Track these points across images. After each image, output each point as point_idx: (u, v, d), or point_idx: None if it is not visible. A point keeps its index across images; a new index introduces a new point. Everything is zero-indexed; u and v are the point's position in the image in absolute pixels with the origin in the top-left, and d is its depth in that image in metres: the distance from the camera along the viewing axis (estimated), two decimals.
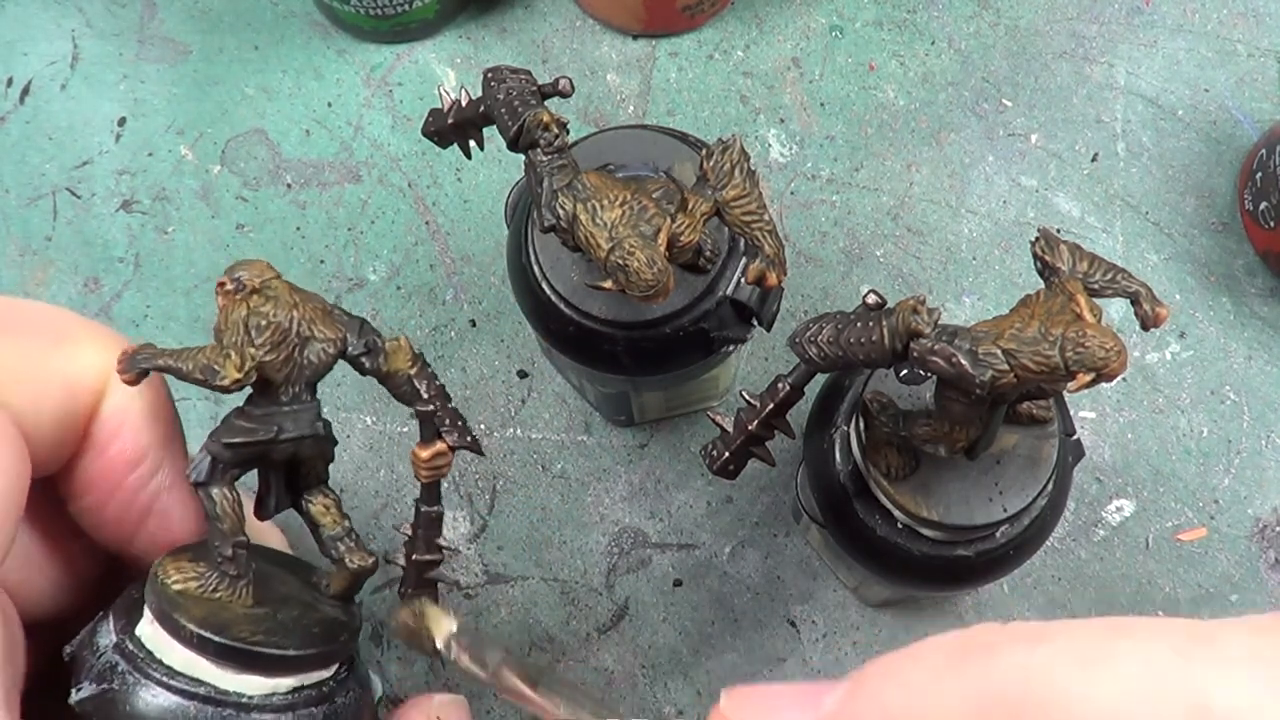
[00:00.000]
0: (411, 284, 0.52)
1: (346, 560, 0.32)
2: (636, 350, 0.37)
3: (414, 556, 0.34)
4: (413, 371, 0.31)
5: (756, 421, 0.34)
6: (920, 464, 0.35)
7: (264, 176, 0.53)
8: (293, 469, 0.32)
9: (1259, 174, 0.50)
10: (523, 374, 0.51)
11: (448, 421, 0.32)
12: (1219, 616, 0.48)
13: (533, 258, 0.37)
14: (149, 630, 0.29)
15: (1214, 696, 0.18)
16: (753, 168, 0.33)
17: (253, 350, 0.28)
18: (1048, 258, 0.30)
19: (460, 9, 0.55)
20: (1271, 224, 0.49)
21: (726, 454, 0.35)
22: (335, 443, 0.32)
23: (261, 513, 0.32)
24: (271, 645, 0.29)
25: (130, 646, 0.29)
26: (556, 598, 0.49)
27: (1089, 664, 0.19)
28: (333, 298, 0.52)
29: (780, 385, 0.33)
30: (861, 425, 0.35)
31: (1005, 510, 0.35)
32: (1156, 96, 0.54)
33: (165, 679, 0.28)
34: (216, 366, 0.28)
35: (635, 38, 0.55)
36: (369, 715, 0.32)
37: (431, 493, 0.33)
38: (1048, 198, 0.53)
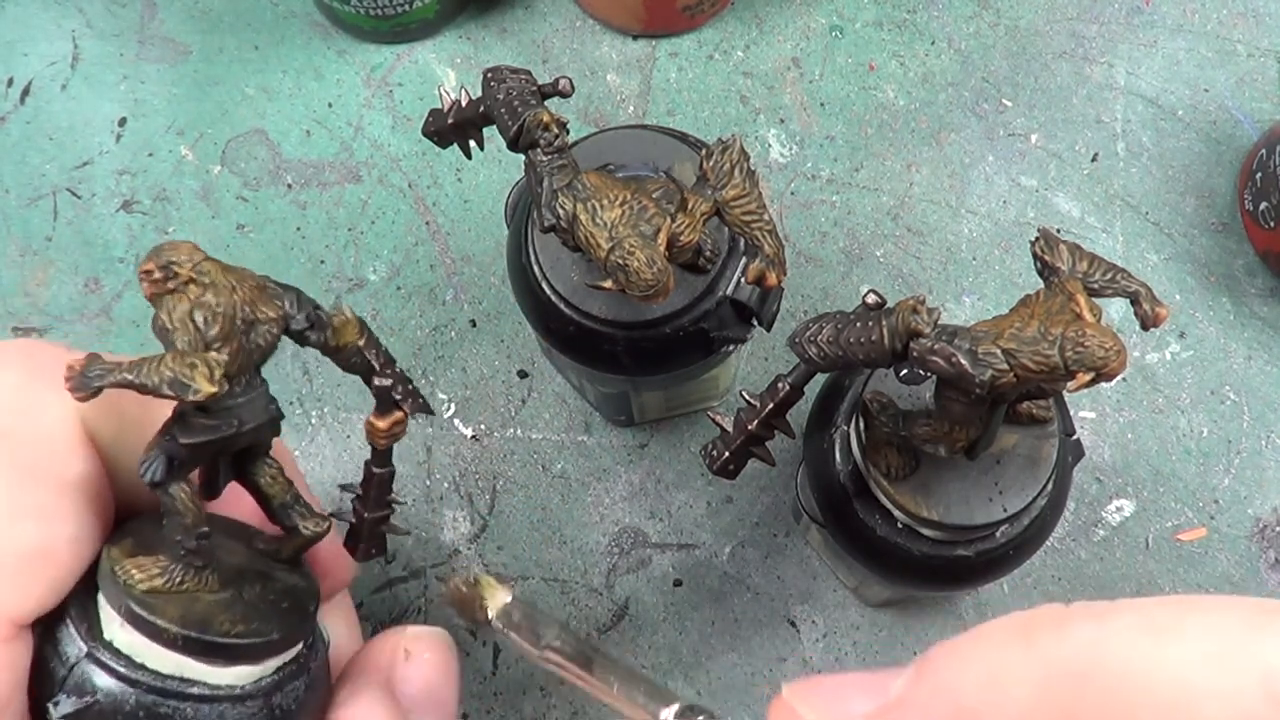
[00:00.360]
0: (411, 284, 0.52)
1: (302, 527, 0.31)
2: (636, 350, 0.37)
3: (367, 515, 0.33)
4: (362, 343, 0.30)
5: (756, 421, 0.34)
6: (920, 464, 0.35)
7: (264, 177, 0.53)
8: (242, 449, 0.31)
9: (1259, 174, 0.50)
10: (523, 374, 0.51)
11: (400, 389, 0.31)
12: None
13: (533, 258, 0.37)
14: (122, 635, 0.28)
15: None
16: (753, 168, 0.33)
17: (215, 354, 0.26)
18: (1047, 258, 0.30)
19: (460, 9, 0.55)
20: (1271, 224, 0.49)
21: (726, 454, 0.35)
22: (283, 416, 0.31)
23: (210, 494, 0.31)
24: (256, 634, 0.29)
25: (105, 656, 0.28)
26: (556, 598, 0.49)
27: (1159, 636, 0.19)
28: (333, 298, 0.52)
29: (780, 385, 0.33)
30: (861, 425, 0.35)
31: (1005, 510, 0.35)
32: (1156, 96, 0.54)
33: (155, 684, 0.28)
34: (185, 379, 0.26)
35: (635, 38, 0.55)
36: (328, 669, 0.33)
37: (385, 456, 0.33)
38: (1048, 198, 0.53)
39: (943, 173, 0.53)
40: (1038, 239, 0.30)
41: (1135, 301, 0.29)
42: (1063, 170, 0.53)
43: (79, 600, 0.29)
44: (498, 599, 0.29)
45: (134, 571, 0.28)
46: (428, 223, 0.53)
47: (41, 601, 0.28)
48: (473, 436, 0.50)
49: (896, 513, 0.36)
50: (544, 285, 0.37)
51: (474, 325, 0.51)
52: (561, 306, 0.37)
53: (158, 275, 0.27)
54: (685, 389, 0.45)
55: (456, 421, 0.50)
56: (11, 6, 0.56)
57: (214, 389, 0.26)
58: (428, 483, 0.49)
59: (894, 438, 0.35)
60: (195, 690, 0.28)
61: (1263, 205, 0.50)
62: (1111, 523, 0.49)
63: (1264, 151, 0.50)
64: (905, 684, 0.22)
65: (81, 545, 0.28)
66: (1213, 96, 0.54)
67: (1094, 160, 0.53)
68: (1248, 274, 0.52)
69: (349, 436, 0.50)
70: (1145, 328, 0.29)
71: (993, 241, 0.52)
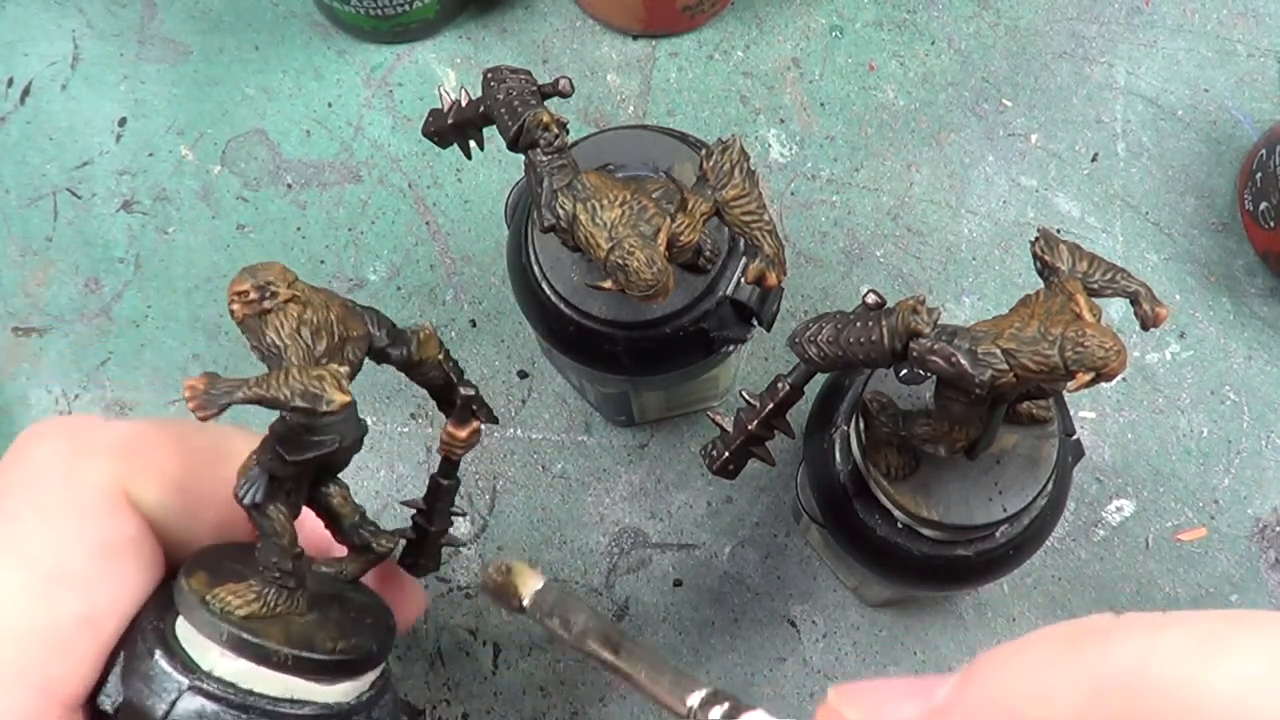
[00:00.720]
0: (411, 284, 0.52)
1: (374, 545, 0.32)
2: (636, 350, 0.37)
3: (434, 529, 0.34)
4: (441, 357, 0.31)
5: (756, 421, 0.34)
6: (920, 464, 0.35)
7: (264, 177, 0.53)
8: (323, 467, 0.31)
9: (1259, 174, 0.50)
10: (523, 374, 0.51)
11: (479, 399, 0.32)
12: None
13: (533, 258, 0.37)
14: (225, 663, 0.28)
15: None
16: (753, 168, 0.33)
17: (336, 366, 0.26)
18: (1047, 258, 0.30)
19: (460, 9, 0.55)
20: (1271, 224, 0.49)
21: (726, 454, 0.34)
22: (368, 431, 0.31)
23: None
24: (356, 650, 0.29)
25: (210, 685, 0.27)
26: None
27: (1209, 653, 0.19)
28: None
29: (780, 385, 0.33)
30: (861, 425, 0.35)
31: (1005, 510, 0.35)
32: (1156, 96, 0.54)
33: (269, 708, 0.28)
34: (316, 390, 0.26)
35: (635, 38, 0.55)
36: None
37: (453, 468, 0.33)
38: (1048, 198, 0.53)
39: (943, 173, 0.53)
40: (1038, 239, 0.30)
41: (1135, 301, 0.29)
42: (1063, 170, 0.53)
43: (149, 636, 0.28)
44: (530, 585, 0.29)
45: (230, 599, 0.28)
46: (428, 223, 0.53)
47: (88, 678, 0.27)
48: None
49: (896, 513, 0.36)
50: (544, 285, 0.37)
51: (474, 325, 0.51)
52: (561, 306, 0.37)
53: (253, 296, 0.27)
54: (685, 389, 0.45)
55: None
56: (11, 6, 0.56)
57: (347, 398, 0.26)
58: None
59: (894, 438, 0.35)
60: (307, 710, 0.28)
61: (1263, 205, 0.50)
62: (1111, 523, 0.49)
63: (1264, 151, 0.50)
64: (951, 690, 0.22)
65: (123, 606, 0.28)
66: (1213, 96, 0.54)
67: (1094, 160, 0.53)
68: (1248, 274, 0.52)
69: None
70: (1145, 328, 0.29)
71: (993, 241, 0.52)
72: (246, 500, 0.27)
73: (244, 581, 0.29)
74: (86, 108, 0.54)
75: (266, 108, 0.54)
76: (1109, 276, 0.30)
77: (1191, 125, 0.54)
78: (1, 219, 0.53)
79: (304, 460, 0.27)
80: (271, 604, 0.29)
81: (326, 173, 0.53)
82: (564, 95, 0.33)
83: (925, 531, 0.36)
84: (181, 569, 0.29)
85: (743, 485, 0.50)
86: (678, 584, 0.49)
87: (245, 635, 0.28)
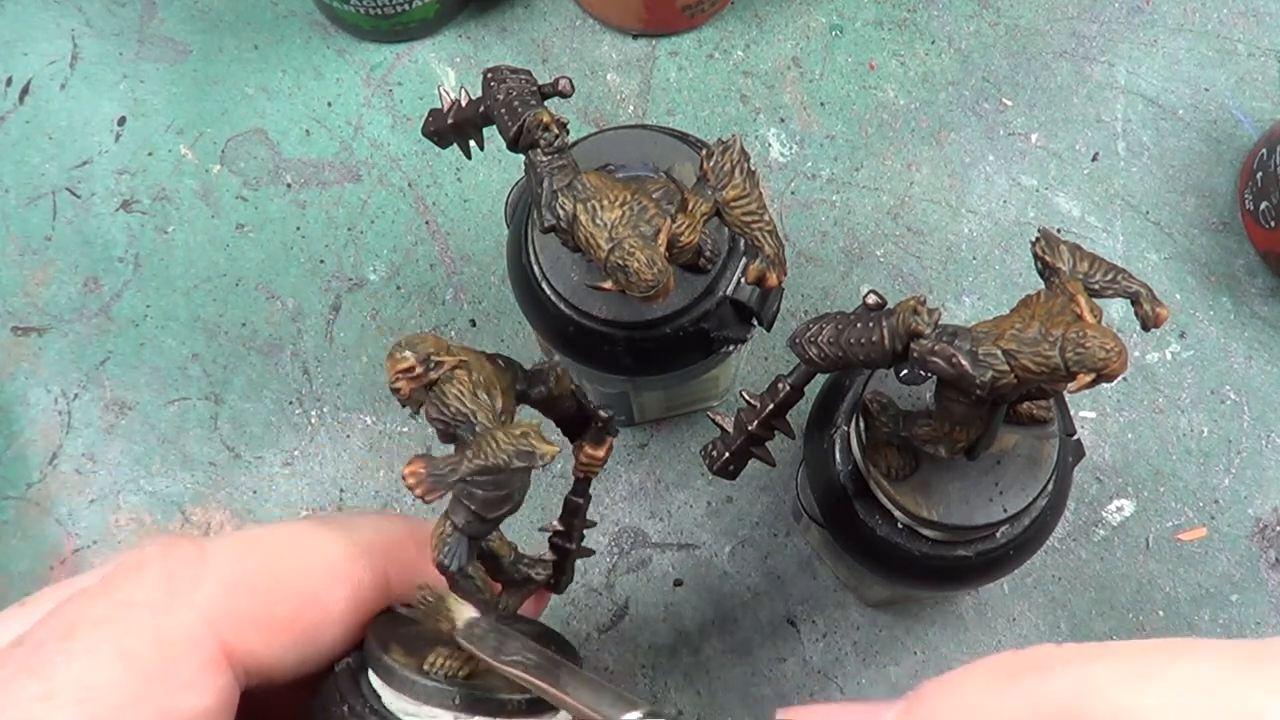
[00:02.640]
0: (411, 284, 0.52)
1: (534, 574, 0.32)
2: (636, 350, 0.37)
3: (574, 547, 0.34)
4: (573, 389, 0.32)
5: (756, 421, 0.34)
6: (920, 464, 0.35)
7: (264, 176, 0.53)
8: None
9: (1259, 174, 0.50)
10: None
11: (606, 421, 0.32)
12: (1219, 616, 0.48)
13: (533, 258, 0.37)
14: None
15: (1267, 714, 0.18)
16: (753, 168, 0.33)
17: (529, 422, 0.27)
18: (1048, 258, 0.30)
19: (460, 9, 0.55)
20: (1271, 224, 0.49)
21: (726, 454, 0.34)
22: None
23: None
24: (566, 683, 0.29)
25: None
26: (556, 598, 0.49)
27: (1142, 679, 0.20)
28: (332, 297, 0.52)
29: (780, 385, 0.33)
30: (861, 425, 0.35)
31: (1005, 510, 0.35)
32: (1157, 96, 0.54)
33: None
34: (527, 448, 0.26)
35: (635, 37, 0.55)
36: None
37: (585, 487, 0.34)
38: (1048, 197, 0.53)
39: (943, 172, 0.53)
40: (1038, 239, 0.30)
41: (1136, 302, 0.29)
42: (1063, 170, 0.53)
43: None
44: (462, 614, 0.29)
45: (449, 663, 0.28)
46: (428, 222, 0.53)
47: None
48: None
49: (896, 513, 0.36)
50: (544, 285, 0.37)
51: (474, 325, 0.51)
52: (561, 306, 0.37)
53: (419, 370, 0.27)
54: (685, 389, 0.45)
55: None
56: (11, 6, 0.56)
57: (555, 449, 0.27)
58: None
59: (894, 438, 0.35)
60: None
61: (1263, 205, 0.50)
62: (1111, 523, 0.49)
63: (1264, 151, 0.50)
64: (895, 716, 0.22)
65: None
66: (1213, 96, 0.54)
67: (1094, 160, 0.53)
68: (1248, 274, 0.52)
69: (349, 436, 0.50)
70: (1146, 328, 0.29)
71: (993, 241, 0.52)
72: (453, 567, 0.28)
73: (443, 644, 0.29)
74: (86, 107, 0.54)
75: (266, 107, 0.54)
76: (1110, 277, 0.30)
77: (1192, 125, 0.54)
78: (1, 218, 0.53)
79: (502, 516, 0.28)
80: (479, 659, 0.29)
81: (326, 172, 0.53)
82: (564, 95, 0.33)
83: (925, 532, 0.36)
84: (370, 652, 0.29)
85: (743, 485, 0.50)
86: (678, 584, 0.49)
87: (477, 693, 0.28)
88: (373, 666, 0.29)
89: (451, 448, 0.28)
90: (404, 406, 0.28)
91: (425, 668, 0.28)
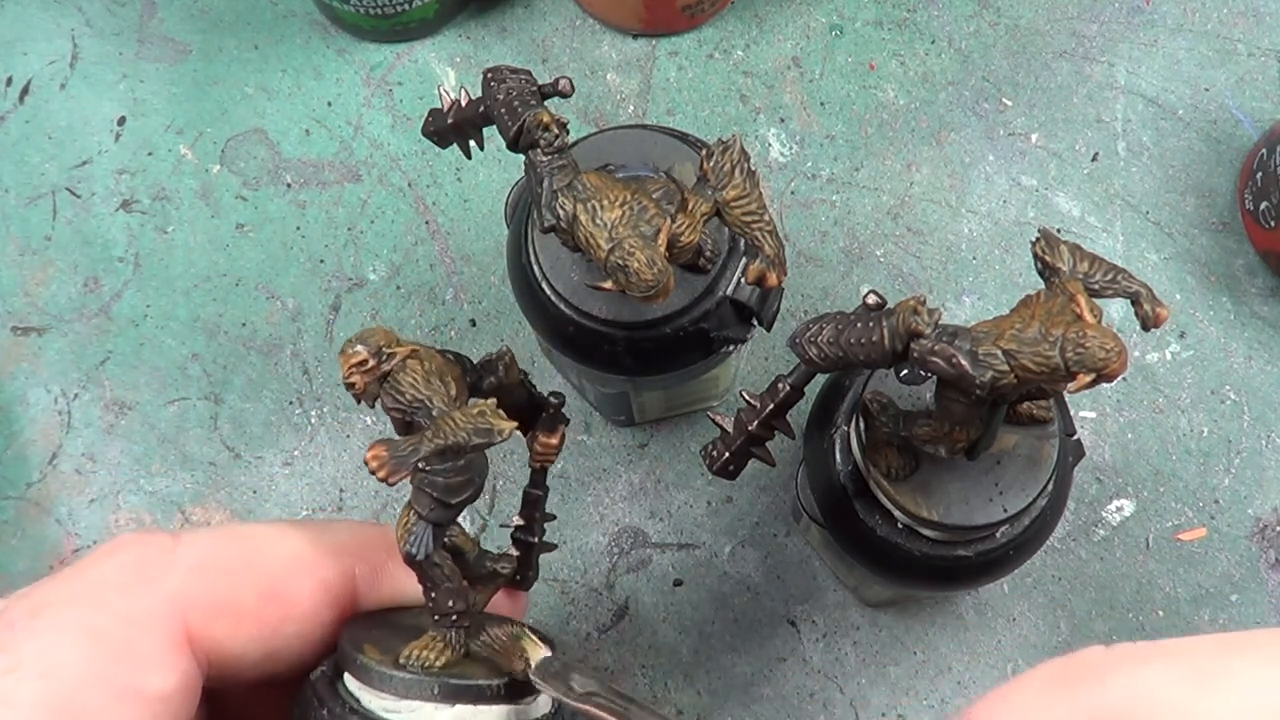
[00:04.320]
0: (411, 284, 0.52)
1: (499, 569, 0.32)
2: (636, 350, 0.37)
3: (537, 540, 0.34)
4: (523, 377, 0.32)
5: (756, 421, 0.34)
6: (920, 464, 0.35)
7: (264, 176, 0.53)
8: None
9: (1259, 174, 0.50)
10: (523, 374, 0.51)
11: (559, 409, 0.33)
12: (1219, 617, 0.48)
13: (533, 258, 0.37)
14: (444, 715, 0.28)
15: None
16: (753, 168, 0.33)
17: (483, 401, 0.27)
18: (1048, 258, 0.30)
19: (460, 9, 0.55)
20: (1271, 224, 0.49)
21: (726, 454, 0.34)
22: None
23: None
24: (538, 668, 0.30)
25: None
26: (556, 598, 0.49)
27: (1205, 681, 0.19)
28: (332, 297, 0.52)
29: (780, 385, 0.33)
30: (861, 425, 0.35)
31: (1005, 510, 0.35)
32: (1157, 96, 0.54)
33: None
34: (485, 425, 0.27)
35: (635, 37, 0.55)
36: None
37: (542, 478, 0.34)
38: (1048, 197, 0.53)
39: (943, 172, 0.53)
40: (1038, 239, 0.30)
41: (1136, 302, 0.29)
42: (1063, 170, 0.53)
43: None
44: (537, 654, 0.30)
45: (424, 653, 0.29)
46: (428, 222, 0.53)
47: None
48: None
49: (896, 513, 0.36)
50: (544, 285, 0.37)
51: (474, 325, 0.51)
52: (561, 306, 0.37)
53: (372, 363, 0.27)
54: (685, 389, 0.45)
55: None
56: (10, 5, 0.56)
57: (514, 424, 0.27)
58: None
59: (894, 438, 0.35)
60: None
61: (1263, 205, 0.50)
62: (1111, 523, 0.49)
63: (1264, 151, 0.50)
64: None
65: None
66: (1213, 96, 0.54)
67: (1094, 160, 0.53)
68: (1248, 274, 0.52)
69: (349, 436, 0.50)
70: (1146, 328, 0.29)
71: (993, 241, 0.52)
72: (419, 555, 0.28)
73: (419, 637, 0.29)
74: (86, 107, 0.54)
75: (266, 107, 0.54)
76: (1110, 277, 0.30)
77: (1192, 125, 0.54)
78: (1, 219, 0.53)
79: (465, 501, 0.28)
80: (456, 646, 0.29)
81: (326, 172, 0.53)
82: (564, 95, 0.33)
83: (925, 532, 0.36)
84: (344, 654, 0.29)
85: (743, 485, 0.50)
86: (678, 584, 0.49)
87: (454, 681, 0.28)
88: (349, 669, 0.29)
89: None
90: (359, 401, 0.28)
91: (401, 661, 0.29)
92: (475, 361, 0.31)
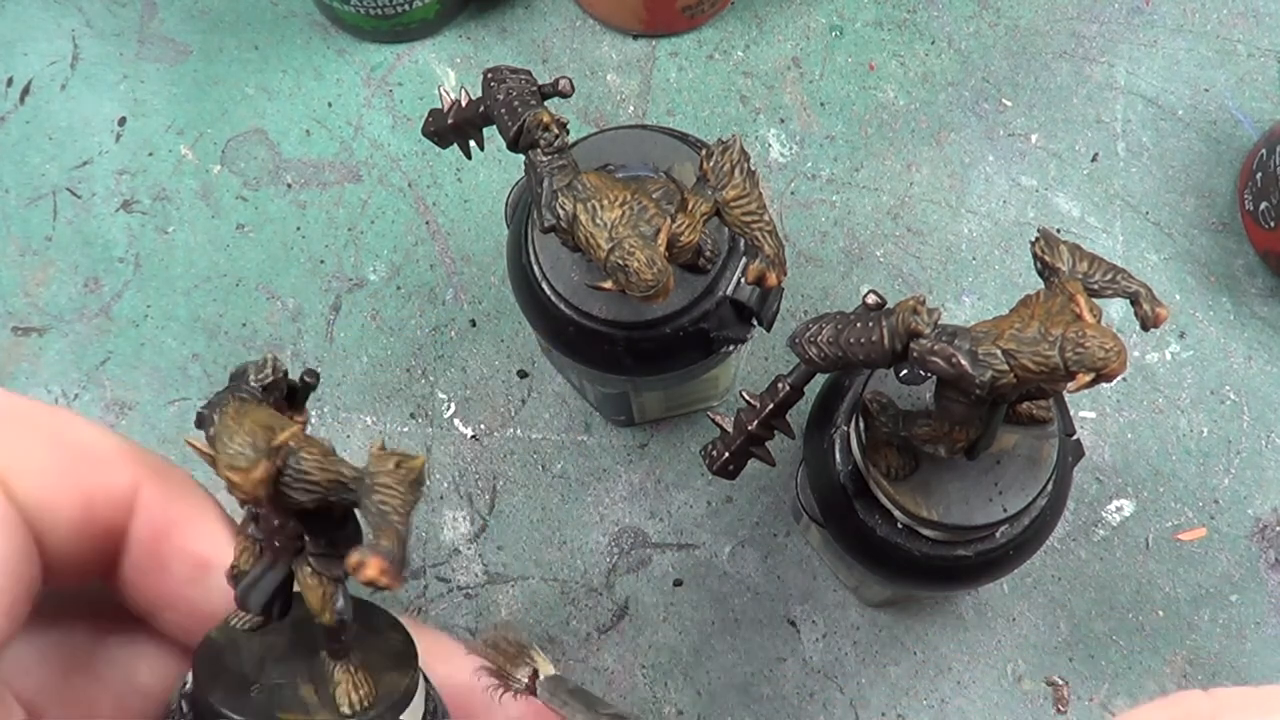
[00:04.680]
0: (411, 284, 0.52)
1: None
2: (636, 350, 0.37)
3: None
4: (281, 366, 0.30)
5: (756, 421, 0.34)
6: (920, 464, 0.35)
7: (264, 176, 0.53)
8: None
9: (1259, 174, 0.50)
10: (523, 374, 0.51)
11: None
12: (1219, 617, 0.48)
13: (533, 258, 0.37)
14: None
15: None
16: (753, 168, 0.33)
17: (394, 452, 0.26)
18: (1048, 258, 0.30)
19: (460, 9, 0.55)
20: (1271, 224, 0.49)
21: (726, 454, 0.34)
22: None
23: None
24: (410, 664, 0.29)
25: None
26: (556, 598, 0.49)
27: None
28: (333, 297, 0.52)
29: (780, 385, 0.33)
30: (861, 425, 0.35)
31: (1005, 510, 0.35)
32: (1156, 96, 0.54)
33: None
34: (413, 479, 0.25)
35: (635, 38, 0.55)
36: None
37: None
38: (1048, 198, 0.53)
39: (943, 173, 0.53)
40: (1038, 239, 0.30)
41: (1135, 302, 0.29)
42: (1063, 170, 0.53)
43: None
44: (546, 669, 0.29)
45: (353, 693, 0.28)
46: (428, 223, 0.53)
47: None
48: (472, 436, 0.50)
49: (896, 513, 0.36)
50: (544, 285, 0.37)
51: (474, 325, 0.51)
52: (561, 306, 0.37)
53: (277, 462, 0.25)
54: (685, 389, 0.45)
55: (456, 421, 0.50)
56: (11, 6, 0.56)
57: (422, 459, 0.26)
58: (427, 482, 0.49)
59: (894, 438, 0.35)
60: None
61: (1263, 205, 0.50)
62: (1111, 523, 0.49)
63: (1264, 151, 0.50)
64: None
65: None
66: (1213, 96, 0.54)
67: (1094, 160, 0.53)
68: (1248, 274, 0.52)
69: (349, 436, 0.50)
70: (1145, 328, 0.29)
71: (993, 241, 0.52)
72: (349, 617, 0.27)
73: (289, 678, 0.28)
74: (86, 107, 0.54)
75: (266, 107, 0.54)
76: (1109, 277, 0.30)
77: (1191, 125, 0.54)
78: (1, 219, 0.53)
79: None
80: (363, 681, 0.28)
81: (326, 172, 0.53)
82: (564, 95, 0.33)
83: (925, 531, 0.36)
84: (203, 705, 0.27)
85: (743, 485, 0.50)
86: (678, 584, 0.49)
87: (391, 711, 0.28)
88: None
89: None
90: (251, 506, 0.25)
91: (346, 712, 0.27)
92: (253, 385, 0.29)
